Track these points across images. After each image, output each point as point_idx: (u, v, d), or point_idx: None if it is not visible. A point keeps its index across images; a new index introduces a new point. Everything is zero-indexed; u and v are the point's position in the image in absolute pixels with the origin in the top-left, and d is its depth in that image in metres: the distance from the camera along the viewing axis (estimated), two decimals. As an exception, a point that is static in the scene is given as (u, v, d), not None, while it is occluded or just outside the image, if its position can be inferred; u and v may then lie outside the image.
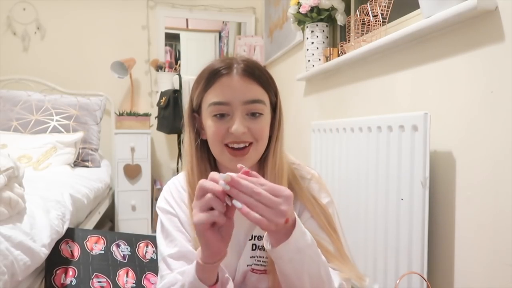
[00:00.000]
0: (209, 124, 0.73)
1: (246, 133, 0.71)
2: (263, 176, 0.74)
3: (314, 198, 0.77)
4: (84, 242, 1.19)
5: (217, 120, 0.72)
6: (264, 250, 0.75)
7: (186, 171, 0.79)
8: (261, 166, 0.77)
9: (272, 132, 0.77)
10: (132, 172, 2.57)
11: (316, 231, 0.73)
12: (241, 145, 0.72)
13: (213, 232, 0.57)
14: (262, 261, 0.77)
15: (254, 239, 0.78)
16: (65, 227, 1.26)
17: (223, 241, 0.58)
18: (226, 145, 0.72)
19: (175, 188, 0.82)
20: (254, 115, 0.72)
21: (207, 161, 0.78)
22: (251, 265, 0.77)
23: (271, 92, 0.76)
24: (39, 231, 1.04)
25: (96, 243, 1.19)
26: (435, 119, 1.09)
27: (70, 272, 1.07)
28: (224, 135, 0.72)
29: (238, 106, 0.71)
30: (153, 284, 1.04)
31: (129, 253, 1.20)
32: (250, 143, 0.72)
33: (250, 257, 0.77)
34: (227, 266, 0.76)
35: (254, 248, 0.77)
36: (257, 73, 0.73)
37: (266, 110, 0.74)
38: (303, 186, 0.78)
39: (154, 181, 2.85)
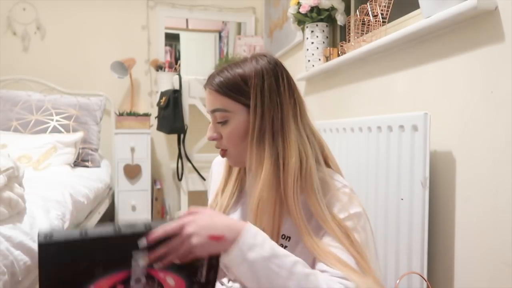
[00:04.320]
0: None
1: (217, 138, 0.81)
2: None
3: (329, 211, 0.72)
4: None
5: None
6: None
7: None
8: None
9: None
10: (132, 172, 2.57)
11: (330, 242, 0.70)
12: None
13: None
14: None
15: (283, 239, 0.76)
16: (65, 227, 1.26)
17: None
18: None
19: (216, 161, 0.99)
20: (221, 122, 0.79)
21: None
22: None
23: (239, 97, 0.76)
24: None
25: None
26: (435, 119, 1.09)
27: None
28: None
29: (210, 115, 0.81)
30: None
31: None
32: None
33: None
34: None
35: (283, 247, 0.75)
36: (217, 84, 0.77)
37: (234, 116, 0.77)
38: (316, 196, 0.73)
39: (154, 181, 2.85)
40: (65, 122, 2.28)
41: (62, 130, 2.23)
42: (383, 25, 1.42)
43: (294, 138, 0.75)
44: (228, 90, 0.77)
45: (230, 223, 0.64)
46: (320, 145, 0.82)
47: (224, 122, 0.79)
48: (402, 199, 1.12)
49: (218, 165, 0.97)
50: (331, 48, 1.77)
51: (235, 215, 0.85)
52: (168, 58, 3.10)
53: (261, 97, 0.75)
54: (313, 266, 0.71)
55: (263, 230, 0.68)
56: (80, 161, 2.22)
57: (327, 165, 0.82)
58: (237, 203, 0.86)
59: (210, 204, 0.91)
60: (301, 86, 2.18)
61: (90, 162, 2.27)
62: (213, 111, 0.80)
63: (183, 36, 3.41)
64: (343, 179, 0.80)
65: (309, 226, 0.72)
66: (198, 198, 2.56)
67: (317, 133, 0.83)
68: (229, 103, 0.77)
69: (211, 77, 0.80)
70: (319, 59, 1.87)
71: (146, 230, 0.59)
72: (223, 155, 0.82)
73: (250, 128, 0.76)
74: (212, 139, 0.82)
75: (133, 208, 2.58)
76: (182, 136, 2.50)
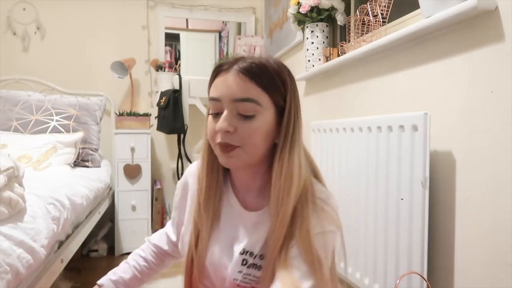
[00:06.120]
0: (208, 121, 0.74)
1: (232, 133, 0.69)
2: (266, 189, 0.73)
3: (305, 226, 0.69)
4: None
5: (212, 118, 0.72)
6: (254, 268, 0.73)
7: (199, 164, 0.81)
8: (267, 177, 0.75)
9: (279, 138, 0.72)
10: (132, 172, 2.57)
11: (295, 258, 0.68)
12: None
13: None
14: (249, 279, 0.74)
15: (246, 254, 0.75)
16: (65, 228, 1.26)
17: None
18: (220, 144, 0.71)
19: (193, 171, 0.87)
20: (246, 115, 0.69)
21: (217, 159, 0.76)
22: (237, 280, 0.74)
23: (275, 95, 0.71)
24: (39, 231, 1.04)
25: None
26: (435, 119, 1.10)
27: None
28: (216, 133, 0.71)
29: (229, 103, 0.69)
30: None
31: None
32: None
33: (238, 271, 0.74)
34: (219, 268, 0.77)
35: (244, 263, 0.75)
36: (256, 72, 0.69)
37: (263, 112, 0.70)
38: (300, 209, 0.71)
39: (154, 181, 2.85)
40: (65, 122, 2.28)
41: (62, 130, 2.23)
42: (383, 25, 1.42)
43: (303, 149, 0.75)
44: (267, 82, 0.69)
45: None
46: (309, 159, 0.80)
47: (250, 117, 0.69)
48: (402, 199, 1.12)
49: (194, 177, 0.85)
50: (331, 48, 1.77)
51: (225, 234, 0.79)
52: (168, 58, 3.10)
53: (294, 102, 0.72)
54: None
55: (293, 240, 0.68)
56: (80, 161, 2.22)
57: (316, 178, 0.79)
58: (219, 218, 0.80)
59: (194, 218, 0.80)
60: (301, 86, 2.19)
61: (90, 162, 2.27)
62: (242, 100, 0.68)
63: (183, 36, 3.41)
64: (327, 192, 0.76)
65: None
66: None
67: (305, 147, 0.80)
68: (263, 97, 0.69)
69: (240, 61, 0.70)
70: (319, 59, 1.87)
71: None
72: (229, 150, 0.70)
73: (282, 133, 0.71)
74: (226, 130, 0.69)
75: (133, 208, 2.58)
76: (182, 136, 2.51)
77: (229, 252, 0.77)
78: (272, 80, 0.70)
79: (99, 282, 0.90)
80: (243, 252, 0.75)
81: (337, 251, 0.76)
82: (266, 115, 0.70)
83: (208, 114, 0.75)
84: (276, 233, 0.69)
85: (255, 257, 0.74)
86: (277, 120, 0.72)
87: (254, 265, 0.74)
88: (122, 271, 0.93)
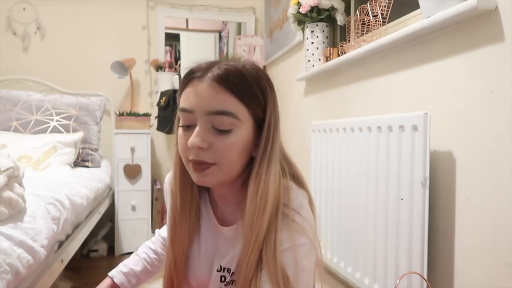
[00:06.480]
0: (178, 135, 0.67)
1: (206, 149, 0.63)
2: (244, 202, 0.66)
3: (272, 243, 0.64)
4: None
5: (183, 131, 0.66)
6: (232, 285, 0.70)
7: (172, 175, 0.77)
8: (244, 190, 0.68)
9: (257, 152, 0.67)
10: (132, 172, 2.57)
11: (262, 277, 0.64)
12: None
13: None
14: None
15: (223, 271, 0.73)
16: (65, 228, 1.26)
17: None
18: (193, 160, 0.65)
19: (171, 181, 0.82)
20: (221, 130, 0.62)
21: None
22: None
23: (254, 106, 0.65)
24: (39, 231, 1.04)
25: None
26: (435, 119, 1.10)
27: None
28: (188, 149, 0.64)
29: (202, 116, 0.62)
30: None
31: None
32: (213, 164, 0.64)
33: None
34: (202, 285, 0.75)
35: (222, 280, 0.72)
36: (233, 81, 0.62)
37: (241, 126, 0.64)
38: (268, 226, 0.65)
39: (154, 181, 2.85)
40: (65, 122, 2.28)
41: (62, 130, 2.23)
42: (383, 25, 1.42)
43: (283, 154, 0.72)
44: (244, 92, 0.63)
45: None
46: (287, 162, 0.74)
47: (227, 131, 0.63)
48: (402, 199, 1.12)
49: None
50: (331, 48, 1.77)
51: (206, 249, 0.76)
52: (168, 58, 3.10)
53: (274, 114, 0.67)
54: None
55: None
56: (80, 161, 2.22)
57: (296, 182, 0.73)
58: (199, 233, 0.78)
59: (171, 237, 0.77)
60: (301, 86, 2.19)
61: (90, 162, 2.27)
62: (217, 113, 0.62)
63: (183, 36, 3.42)
64: (301, 200, 0.69)
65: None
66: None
67: (284, 149, 0.74)
68: (241, 109, 0.63)
69: (215, 66, 0.64)
70: (319, 59, 1.87)
71: None
72: (202, 169, 0.64)
73: (260, 147, 0.65)
74: (199, 147, 0.62)
75: (133, 208, 2.58)
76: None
77: (210, 268, 0.75)
78: (250, 90, 0.64)
79: (110, 274, 0.90)
80: (220, 269, 0.73)
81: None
82: (243, 129, 0.64)
83: (178, 126, 0.67)
84: (249, 253, 0.64)
85: (232, 274, 0.71)
86: (255, 132, 0.67)
87: (232, 282, 0.71)
88: (132, 263, 0.93)
